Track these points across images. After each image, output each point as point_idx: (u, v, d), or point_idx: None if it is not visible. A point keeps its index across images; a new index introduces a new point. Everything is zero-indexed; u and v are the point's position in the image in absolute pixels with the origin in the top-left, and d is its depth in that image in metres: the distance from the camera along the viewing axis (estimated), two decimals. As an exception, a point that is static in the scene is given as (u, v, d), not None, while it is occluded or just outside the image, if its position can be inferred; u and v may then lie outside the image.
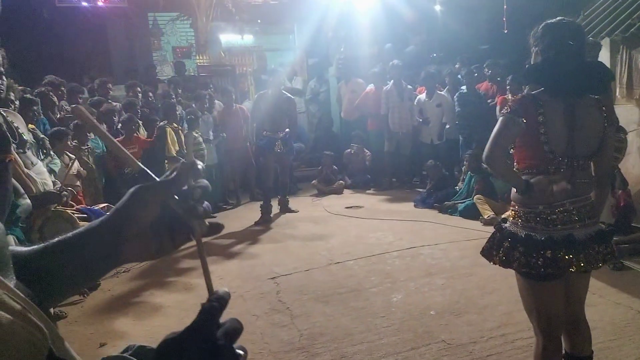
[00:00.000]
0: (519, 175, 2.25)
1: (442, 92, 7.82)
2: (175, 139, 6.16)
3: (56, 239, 0.74)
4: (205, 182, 0.75)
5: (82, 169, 5.13)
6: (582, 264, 2.11)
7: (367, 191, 8.26)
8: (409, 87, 8.19)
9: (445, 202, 6.66)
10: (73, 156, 5.09)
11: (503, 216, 4.92)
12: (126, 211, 0.73)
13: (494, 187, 6.32)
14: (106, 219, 0.74)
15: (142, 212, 0.73)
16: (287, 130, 6.52)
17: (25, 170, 3.71)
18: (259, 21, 10.66)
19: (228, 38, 10.68)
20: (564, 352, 2.39)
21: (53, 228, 3.18)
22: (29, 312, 0.54)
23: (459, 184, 7.06)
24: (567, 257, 2.10)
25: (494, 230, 2.33)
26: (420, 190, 7.69)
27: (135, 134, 6.22)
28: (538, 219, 2.17)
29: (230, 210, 7.53)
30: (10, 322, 0.50)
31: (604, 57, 5.31)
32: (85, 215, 4.09)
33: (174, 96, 7.43)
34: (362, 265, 4.77)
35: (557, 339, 2.27)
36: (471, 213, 6.22)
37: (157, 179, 0.74)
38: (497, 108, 6.83)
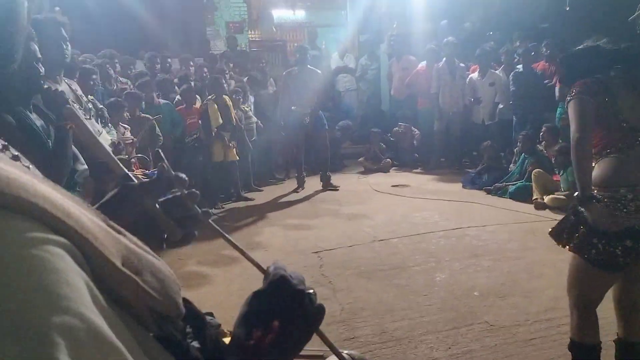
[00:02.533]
0: (590, 178, 2.15)
1: (496, 71, 7.57)
2: (221, 112, 6.25)
3: None
4: (188, 192, 0.82)
5: (135, 138, 5.30)
6: None
7: (414, 170, 8.16)
8: (462, 65, 7.96)
9: (496, 184, 6.49)
10: (127, 126, 5.27)
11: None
12: (110, 207, 0.77)
13: (549, 169, 6.10)
14: None
15: (123, 210, 0.78)
16: (317, 106, 6.76)
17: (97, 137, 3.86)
18: (314, -4, 10.60)
19: (280, 13, 10.67)
20: (617, 337, 2.37)
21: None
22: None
23: (511, 165, 6.86)
24: None
25: (568, 213, 2.23)
26: (470, 170, 7.52)
27: (194, 105, 6.39)
28: (619, 204, 2.06)
29: (277, 185, 7.62)
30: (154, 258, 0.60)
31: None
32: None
33: (227, 71, 7.53)
34: (406, 244, 4.74)
35: (594, 313, 2.26)
36: (522, 195, 6.05)
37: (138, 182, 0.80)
38: (557, 89, 6.55)
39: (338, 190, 6.90)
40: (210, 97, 6.32)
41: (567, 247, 2.19)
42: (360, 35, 10.53)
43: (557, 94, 6.54)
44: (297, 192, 6.89)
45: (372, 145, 8.40)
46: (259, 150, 7.45)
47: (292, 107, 6.71)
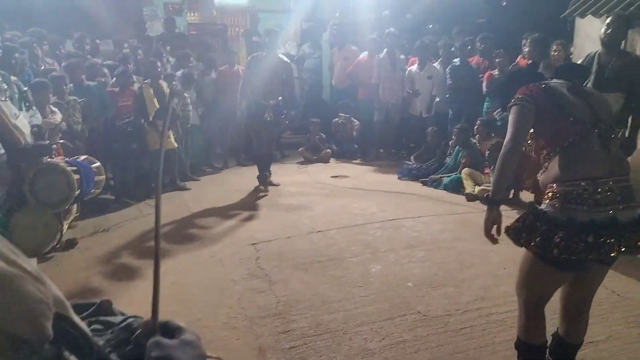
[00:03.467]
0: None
1: (434, 64, 7.71)
2: (157, 97, 6.02)
3: None
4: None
5: (62, 122, 5.01)
6: (622, 249, 1.98)
7: (354, 161, 8.22)
8: (402, 57, 8.05)
9: (431, 175, 6.64)
10: (55, 109, 4.97)
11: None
12: None
13: (481, 162, 6.31)
14: None
15: None
16: (279, 98, 6.11)
17: (12, 121, 3.59)
18: (255, -20, 10.35)
19: (221, -4, 10.37)
20: (556, 332, 2.41)
21: (44, 181, 3.09)
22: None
23: (447, 158, 7.03)
24: (609, 241, 1.96)
25: (527, 211, 2.16)
26: (408, 162, 7.65)
27: (130, 87, 6.11)
28: (580, 199, 2.02)
29: (215, 174, 7.46)
30: (20, 277, 0.54)
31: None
32: (75, 168, 3.98)
33: (164, 54, 7.26)
34: (344, 235, 4.76)
35: (542, 312, 2.27)
36: (456, 187, 6.23)
37: None
38: (484, 84, 6.76)
39: (279, 186, 6.59)
40: (146, 81, 6.07)
41: (527, 247, 2.13)
42: (304, 22, 10.42)
43: (484, 88, 6.76)
44: (262, 192, 6.26)
45: (312, 135, 8.37)
46: (197, 138, 7.26)
47: (255, 98, 6.08)
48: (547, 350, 2.38)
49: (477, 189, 5.94)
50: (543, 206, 2.12)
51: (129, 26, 8.79)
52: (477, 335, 3.01)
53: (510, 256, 4.16)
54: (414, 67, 7.80)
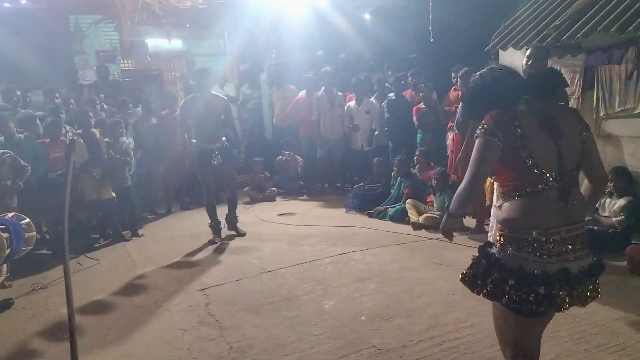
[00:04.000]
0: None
1: (370, 99, 7.94)
2: (89, 146, 5.85)
3: None
4: None
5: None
6: (574, 301, 1.95)
7: (300, 198, 8.23)
8: (340, 94, 8.26)
9: (377, 207, 6.75)
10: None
11: (489, 239, 4.82)
12: None
13: (422, 191, 6.48)
14: None
15: None
16: (223, 138, 5.81)
17: None
18: (187, 25, 10.39)
19: (155, 42, 10.33)
20: None
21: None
22: None
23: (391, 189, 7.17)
24: (561, 293, 1.91)
25: (479, 255, 2.10)
26: (350, 187, 7.74)
27: (62, 138, 5.90)
28: (530, 248, 1.95)
29: (158, 220, 7.26)
30: None
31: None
32: (4, 226, 3.75)
33: (98, 102, 7.11)
34: (294, 273, 4.72)
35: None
36: (401, 217, 6.34)
37: None
38: (414, 117, 7.05)
39: (244, 236, 6.07)
40: (77, 131, 5.89)
41: (481, 294, 2.05)
42: (240, 64, 10.52)
43: (415, 122, 7.04)
44: (215, 242, 5.83)
45: (256, 175, 8.35)
46: (138, 184, 7.07)
47: (193, 140, 5.74)
48: None
49: (422, 217, 6.08)
50: (494, 250, 2.06)
51: (60, 76, 8.58)
52: (432, 365, 3.03)
53: (458, 282, 4.25)
54: (352, 103, 8.00)
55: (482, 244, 2.16)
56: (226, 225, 6.10)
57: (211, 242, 5.84)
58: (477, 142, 2.03)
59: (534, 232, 1.95)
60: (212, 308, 4.03)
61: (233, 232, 6.12)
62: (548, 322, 2.14)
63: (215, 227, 5.95)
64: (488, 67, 2.27)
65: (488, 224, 5.05)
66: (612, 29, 4.96)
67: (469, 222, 5.90)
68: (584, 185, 2.20)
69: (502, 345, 2.19)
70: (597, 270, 2.02)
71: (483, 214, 5.63)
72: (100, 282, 4.80)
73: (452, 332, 3.40)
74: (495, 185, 2.17)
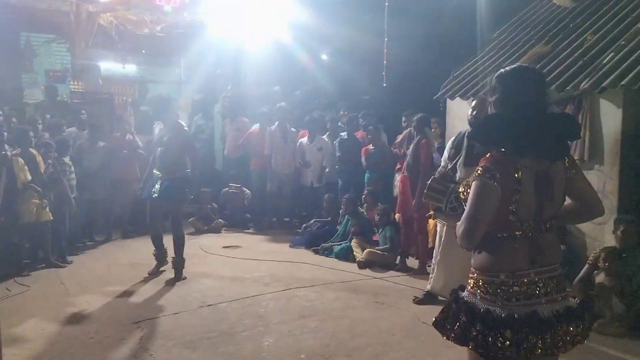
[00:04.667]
0: None
1: (323, 137, 8.06)
2: (29, 167, 5.62)
3: None
4: None
5: None
6: (547, 348, 1.85)
7: (246, 230, 8.14)
8: (293, 129, 8.34)
9: (323, 244, 6.76)
10: None
11: (429, 281, 4.82)
12: None
13: (368, 229, 6.56)
14: None
15: None
16: (178, 172, 5.40)
17: None
18: (143, 51, 10.31)
19: (108, 66, 10.19)
20: None
21: None
22: None
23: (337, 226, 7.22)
24: (530, 338, 1.83)
25: (450, 299, 2.06)
26: (299, 231, 7.75)
27: None
28: (499, 290, 1.91)
29: (96, 248, 6.97)
30: None
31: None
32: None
33: (40, 121, 6.87)
34: (235, 308, 4.63)
35: None
36: (346, 255, 6.37)
37: None
38: (363, 158, 7.20)
39: (184, 279, 5.47)
40: (15, 151, 5.65)
41: (450, 338, 2.00)
42: (195, 94, 10.49)
43: (363, 162, 7.20)
44: (154, 274, 5.55)
45: (203, 205, 8.22)
46: (77, 209, 6.80)
47: (154, 171, 5.49)
48: None
49: (365, 252, 6.13)
50: (465, 294, 2.02)
51: (5, 93, 8.28)
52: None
53: (398, 322, 4.31)
54: (304, 140, 8.09)
55: (455, 287, 2.11)
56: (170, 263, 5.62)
57: (151, 273, 5.58)
58: (475, 184, 1.91)
59: (501, 275, 1.91)
60: (147, 342, 3.88)
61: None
62: None
63: (159, 255, 5.64)
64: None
65: (430, 265, 5.14)
66: (552, 86, 5.27)
67: (412, 262, 5.99)
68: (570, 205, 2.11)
69: None
70: (577, 314, 1.94)
71: (425, 255, 5.74)
72: (30, 310, 4.53)
73: (390, 373, 3.40)
74: None
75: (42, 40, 10.26)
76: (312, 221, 7.48)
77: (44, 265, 5.87)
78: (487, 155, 1.95)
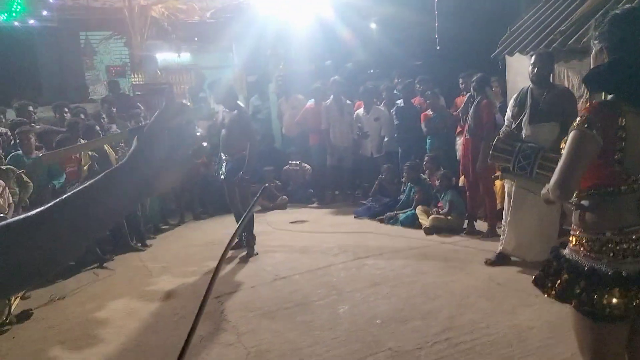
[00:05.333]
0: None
1: (379, 107, 8.01)
2: (93, 162, 5.91)
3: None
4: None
5: (10, 195, 4.87)
6: None
7: (310, 205, 8.28)
8: (348, 102, 8.33)
9: (387, 213, 6.78)
10: (2, 182, 4.83)
11: (500, 243, 4.77)
12: (144, 151, 0.81)
13: (432, 196, 6.51)
14: (127, 166, 0.81)
15: (155, 148, 0.81)
16: (239, 154, 5.54)
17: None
18: (195, 39, 10.57)
19: (164, 56, 10.51)
20: None
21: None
22: None
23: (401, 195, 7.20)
24: (639, 296, 1.75)
25: (550, 256, 2.00)
26: (364, 202, 7.79)
27: (74, 155, 6.00)
28: (604, 248, 1.83)
29: (170, 230, 7.33)
30: None
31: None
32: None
33: (104, 116, 7.20)
34: (308, 279, 4.76)
35: None
36: (412, 222, 6.36)
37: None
38: (422, 124, 7.08)
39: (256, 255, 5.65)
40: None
41: (549, 296, 1.95)
42: (248, 76, 10.66)
43: (423, 128, 7.08)
44: (252, 255, 5.60)
45: (267, 184, 8.41)
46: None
47: (223, 156, 5.75)
48: None
49: (429, 218, 6.10)
50: (566, 251, 1.96)
51: (71, 91, 8.75)
52: (448, 365, 3.05)
53: (471, 284, 4.30)
54: (361, 111, 8.06)
55: (555, 245, 2.07)
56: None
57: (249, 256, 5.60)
58: (572, 134, 1.85)
59: (607, 233, 1.84)
60: (228, 315, 4.08)
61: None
62: (626, 330, 1.91)
63: (245, 237, 5.69)
64: None
65: (500, 227, 5.06)
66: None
67: (481, 226, 5.91)
68: None
69: (581, 354, 2.00)
70: None
71: (494, 217, 5.65)
72: (118, 291, 4.86)
73: (467, 333, 3.42)
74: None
75: (100, 37, 10.74)
76: (369, 201, 7.41)
77: (125, 250, 6.24)
78: (588, 105, 1.91)
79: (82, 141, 6.07)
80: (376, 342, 3.41)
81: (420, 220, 6.27)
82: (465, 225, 5.98)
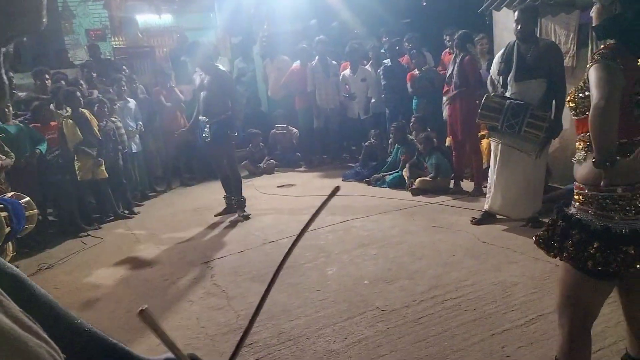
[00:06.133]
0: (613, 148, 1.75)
1: (366, 67, 7.90)
2: (81, 127, 5.81)
3: None
4: None
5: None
6: None
7: (298, 169, 8.26)
8: (334, 62, 8.20)
9: (375, 175, 6.79)
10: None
11: (486, 202, 4.76)
12: None
13: (420, 156, 6.51)
14: None
15: None
16: (222, 115, 5.44)
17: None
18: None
19: (145, 18, 10.21)
20: (627, 354, 2.07)
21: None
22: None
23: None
24: None
25: (555, 215, 1.91)
26: (351, 165, 7.78)
27: (52, 121, 5.88)
28: (616, 205, 1.76)
29: (157, 197, 7.30)
30: (37, 345, 0.51)
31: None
32: (2, 205, 3.79)
33: (81, 82, 7.02)
34: (296, 242, 4.78)
35: (588, 334, 1.94)
36: (399, 184, 6.39)
37: None
38: (408, 84, 6.99)
39: (249, 218, 5.70)
40: (66, 113, 5.84)
41: (560, 258, 1.88)
42: (232, 37, 10.42)
43: (409, 88, 7.00)
44: (245, 216, 5.66)
45: (253, 147, 8.37)
46: (140, 164, 7.10)
47: (201, 117, 5.58)
48: None
49: (416, 181, 6.12)
50: (573, 210, 1.88)
51: (51, 56, 8.50)
52: (434, 323, 3.10)
53: (457, 243, 4.35)
54: (347, 72, 7.95)
55: (559, 203, 1.97)
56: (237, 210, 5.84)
57: (218, 215, 5.83)
58: (595, 67, 1.75)
59: (618, 189, 1.76)
60: (218, 279, 4.10)
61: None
62: (613, 287, 1.90)
63: (229, 200, 5.87)
64: None
65: (486, 187, 5.09)
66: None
67: (467, 185, 5.95)
68: None
69: (560, 308, 1.97)
70: None
71: (480, 176, 5.68)
72: (106, 259, 4.86)
73: (453, 291, 3.48)
74: (578, 136, 1.94)
75: (78, 0, 10.36)
76: (357, 166, 7.40)
77: (112, 217, 6.22)
78: (602, 46, 1.82)
79: (67, 109, 5.94)
80: (364, 301, 3.46)
81: (407, 181, 6.29)
82: (451, 186, 6.01)
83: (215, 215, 5.84)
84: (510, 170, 4.52)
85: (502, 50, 4.64)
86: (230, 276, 4.13)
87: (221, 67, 5.73)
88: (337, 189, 0.81)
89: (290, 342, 3.05)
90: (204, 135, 5.55)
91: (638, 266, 1.71)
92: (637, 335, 1.96)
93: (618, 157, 1.70)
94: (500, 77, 4.54)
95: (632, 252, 1.70)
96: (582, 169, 1.88)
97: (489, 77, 4.81)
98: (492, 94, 4.56)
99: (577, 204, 1.88)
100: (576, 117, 1.94)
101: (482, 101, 4.34)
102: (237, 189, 5.76)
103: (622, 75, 1.71)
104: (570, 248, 1.81)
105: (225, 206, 5.93)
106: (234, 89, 5.79)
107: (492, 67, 4.76)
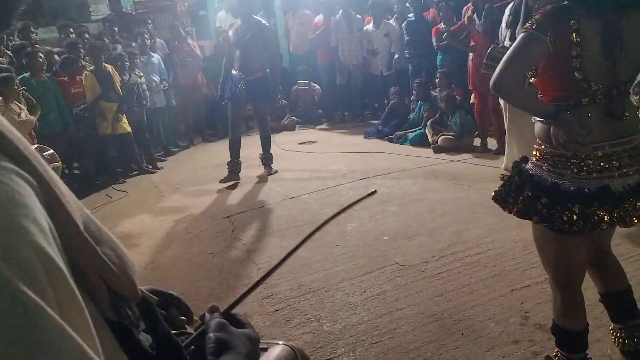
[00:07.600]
0: (541, 100, 1.85)
1: (389, 21, 7.69)
2: (102, 81, 5.83)
3: None
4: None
5: (30, 116, 4.89)
6: (614, 221, 1.74)
7: (319, 126, 8.22)
8: (358, 17, 8.00)
9: (397, 132, 6.72)
10: (22, 106, 4.84)
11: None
12: None
13: (443, 114, 6.40)
14: None
15: None
16: (261, 72, 5.23)
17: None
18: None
19: (166, -29, 10.03)
20: (599, 294, 2.13)
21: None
22: None
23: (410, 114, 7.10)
24: (599, 213, 1.72)
25: (512, 172, 1.93)
26: (374, 122, 7.70)
27: (78, 76, 5.91)
28: (569, 163, 1.77)
29: (180, 152, 7.38)
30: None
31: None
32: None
33: (106, 37, 7.02)
34: (317, 198, 4.81)
35: (578, 292, 1.94)
36: (421, 141, 6.32)
37: None
38: (434, 39, 6.76)
39: (276, 173, 5.76)
40: (90, 67, 5.87)
41: (512, 212, 1.90)
42: (253, -9, 10.21)
43: (434, 43, 6.77)
44: (225, 182, 5.47)
45: (275, 103, 8.31)
46: (165, 119, 7.18)
47: (233, 72, 5.28)
48: (609, 315, 2.16)
49: (439, 139, 6.04)
50: (529, 166, 1.90)
51: (72, 11, 8.49)
52: (453, 278, 3.12)
53: (479, 201, 4.31)
54: (370, 26, 7.77)
55: (517, 160, 2.00)
56: (259, 162, 5.85)
57: (222, 181, 5.44)
58: (520, 36, 1.78)
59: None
60: (239, 233, 4.17)
61: (253, 162, 6.03)
62: (587, 240, 1.90)
63: (234, 165, 5.53)
64: None
65: (510, 144, 5.00)
66: None
67: (492, 143, 5.85)
68: None
69: (545, 267, 2.03)
70: None
71: (502, 134, 5.56)
72: (131, 212, 4.97)
73: (472, 247, 3.47)
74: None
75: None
76: (379, 124, 7.30)
77: (137, 172, 6.32)
78: (544, 8, 1.81)
79: (83, 63, 5.96)
80: (383, 257, 3.49)
81: (429, 139, 6.21)
82: (476, 143, 5.92)
83: (220, 182, 5.47)
84: (519, 126, 4.41)
85: (512, 2, 4.47)
86: (251, 230, 4.19)
87: (263, 21, 5.48)
88: (373, 192, 0.86)
89: (309, 294, 3.10)
90: (237, 91, 5.26)
91: (575, 228, 1.74)
92: (595, 272, 2.06)
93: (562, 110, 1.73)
94: (509, 30, 4.39)
95: (577, 210, 1.73)
96: (537, 125, 1.88)
97: (500, 30, 4.67)
98: (500, 45, 4.42)
99: (534, 159, 1.90)
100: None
101: (488, 51, 4.22)
102: (267, 145, 5.74)
103: (546, 46, 1.72)
104: (520, 204, 1.84)
105: (228, 173, 5.53)
106: (276, 45, 5.65)
107: (502, 20, 4.62)
